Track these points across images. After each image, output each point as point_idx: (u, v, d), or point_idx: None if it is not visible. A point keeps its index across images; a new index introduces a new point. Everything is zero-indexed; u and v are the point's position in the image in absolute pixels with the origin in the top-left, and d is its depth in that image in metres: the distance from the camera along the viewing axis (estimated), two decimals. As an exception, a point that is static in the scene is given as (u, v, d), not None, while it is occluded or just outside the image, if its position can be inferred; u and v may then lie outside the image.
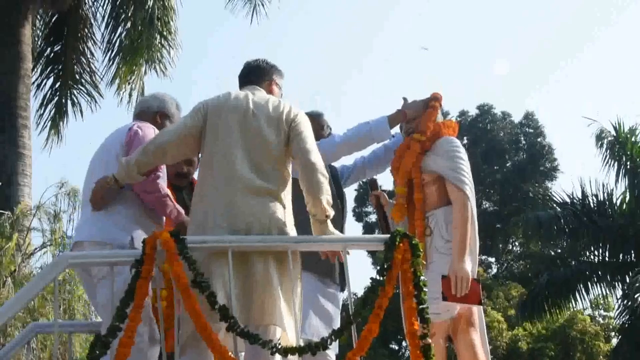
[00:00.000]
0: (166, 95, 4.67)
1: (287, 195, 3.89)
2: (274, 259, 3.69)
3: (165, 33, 11.93)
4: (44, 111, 12.48)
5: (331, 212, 3.76)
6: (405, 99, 4.90)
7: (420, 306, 3.59)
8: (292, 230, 3.83)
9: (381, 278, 3.59)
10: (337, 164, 5.20)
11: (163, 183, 4.24)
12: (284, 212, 3.82)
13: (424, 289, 3.62)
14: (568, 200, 17.54)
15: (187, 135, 3.95)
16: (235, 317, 3.43)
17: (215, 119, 3.95)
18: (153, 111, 4.57)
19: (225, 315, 3.41)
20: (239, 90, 4.15)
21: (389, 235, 3.71)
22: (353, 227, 30.93)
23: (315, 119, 5.06)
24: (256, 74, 4.26)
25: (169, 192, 4.28)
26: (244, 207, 3.73)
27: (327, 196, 3.75)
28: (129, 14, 11.64)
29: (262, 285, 3.62)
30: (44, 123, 12.51)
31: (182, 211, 4.35)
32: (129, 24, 11.72)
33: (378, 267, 3.65)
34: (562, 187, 32.82)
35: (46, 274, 3.44)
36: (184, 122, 4.01)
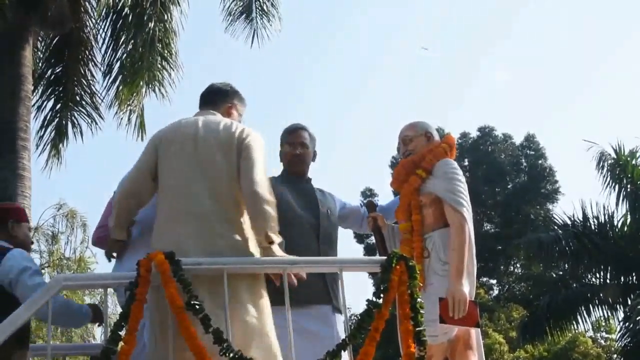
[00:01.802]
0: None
1: (245, 217, 3.83)
2: (242, 281, 3.68)
3: (166, 55, 11.93)
4: (44, 133, 12.45)
5: (276, 239, 3.70)
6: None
7: (417, 328, 3.56)
8: (256, 252, 3.77)
9: (377, 300, 3.57)
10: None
11: None
12: (245, 235, 3.78)
13: (421, 311, 3.59)
14: (569, 222, 17.54)
15: (145, 171, 3.96)
16: (229, 341, 3.40)
17: (166, 150, 3.93)
18: None
19: (219, 339, 3.38)
20: (191, 116, 4.13)
21: (385, 257, 3.69)
22: (354, 249, 30.90)
23: (284, 135, 5.07)
24: (216, 95, 4.25)
25: None
26: (205, 236, 3.71)
27: (270, 224, 3.69)
28: (130, 36, 11.63)
29: (235, 308, 3.59)
30: (44, 145, 12.49)
31: None
32: (129, 46, 11.71)
33: (374, 289, 3.62)
34: (563, 209, 32.83)
35: (41, 296, 3.42)
36: (140, 159, 4.02)
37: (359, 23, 56.47)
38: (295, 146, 5.04)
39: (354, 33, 56.16)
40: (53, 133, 12.51)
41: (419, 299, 3.61)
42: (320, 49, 58.90)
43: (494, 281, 32.21)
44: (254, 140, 3.90)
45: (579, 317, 17.39)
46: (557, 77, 51.55)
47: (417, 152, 4.82)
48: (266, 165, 3.87)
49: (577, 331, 20.78)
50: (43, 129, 12.50)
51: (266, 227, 3.68)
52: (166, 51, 11.94)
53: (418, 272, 3.69)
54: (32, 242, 4.57)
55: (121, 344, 3.33)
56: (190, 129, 3.94)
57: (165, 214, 3.84)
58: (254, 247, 3.78)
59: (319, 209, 4.95)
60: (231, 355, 3.37)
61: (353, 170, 49.91)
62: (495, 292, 31.57)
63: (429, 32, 53.49)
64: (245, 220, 3.81)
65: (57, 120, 12.47)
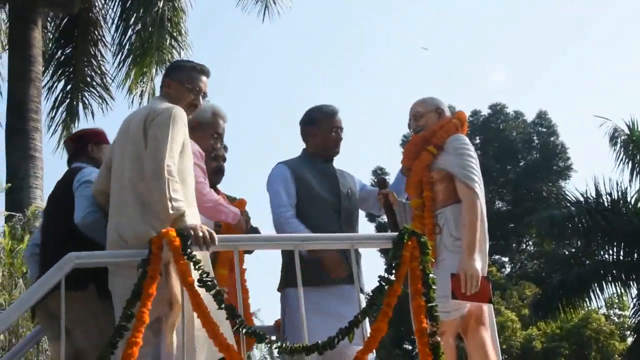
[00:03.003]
0: (204, 104, 4.48)
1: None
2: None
3: (175, 34, 11.92)
4: (56, 114, 12.51)
5: (171, 214, 3.59)
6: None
7: (429, 304, 3.55)
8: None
9: (389, 276, 3.56)
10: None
11: (208, 190, 4.29)
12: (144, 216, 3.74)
13: (433, 287, 3.58)
14: (582, 199, 17.43)
15: (104, 168, 4.12)
16: (242, 317, 3.41)
17: (114, 144, 4.08)
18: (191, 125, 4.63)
19: (233, 315, 3.38)
20: None
21: (397, 233, 3.68)
22: (365, 227, 30.93)
23: (329, 118, 5.02)
24: (163, 78, 4.31)
25: (217, 196, 4.36)
26: (122, 219, 3.78)
27: (166, 197, 3.59)
28: (139, 16, 11.62)
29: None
30: (56, 126, 12.54)
31: (238, 211, 4.45)
32: (138, 26, 11.70)
33: (386, 265, 3.61)
34: (576, 186, 32.59)
35: (53, 274, 3.42)
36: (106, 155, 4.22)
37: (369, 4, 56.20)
38: (339, 131, 5.04)
39: (364, 12, 55.89)
40: (64, 114, 12.55)
41: (431, 275, 3.59)
42: (330, 25, 58.70)
43: (506, 259, 32.18)
44: (160, 119, 3.83)
45: (591, 294, 17.32)
46: (569, 50, 51.20)
47: (428, 128, 4.78)
48: (172, 137, 3.76)
49: (589, 308, 20.73)
50: (54, 110, 12.54)
51: (164, 201, 3.59)
52: (175, 30, 11.92)
53: (430, 248, 3.68)
54: None
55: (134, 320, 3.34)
56: (126, 119, 4.09)
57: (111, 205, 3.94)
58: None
59: (339, 189, 4.94)
60: (245, 330, 3.38)
61: (364, 149, 49.83)
62: (508, 269, 31.55)
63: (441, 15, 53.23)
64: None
65: (68, 101, 12.50)
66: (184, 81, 4.15)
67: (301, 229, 4.56)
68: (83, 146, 4.60)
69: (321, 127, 5.03)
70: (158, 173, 3.63)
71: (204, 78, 4.23)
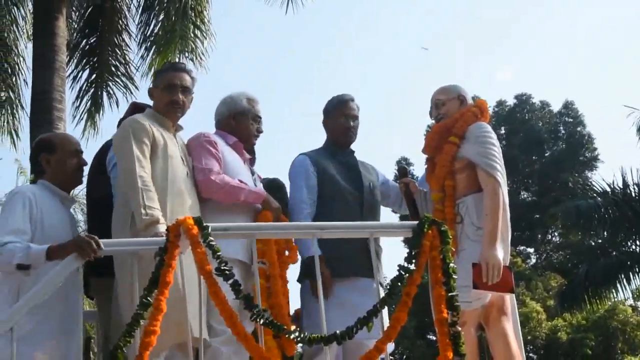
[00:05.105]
0: (234, 94, 4.79)
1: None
2: None
3: (198, 23, 11.90)
4: (80, 103, 12.53)
5: (144, 220, 3.82)
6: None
7: (450, 294, 3.51)
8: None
9: (409, 265, 3.52)
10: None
11: (218, 175, 4.30)
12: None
13: (454, 276, 3.55)
14: (609, 189, 17.29)
15: None
16: (259, 306, 3.38)
17: None
18: (225, 116, 4.72)
19: (250, 305, 3.36)
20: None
21: (417, 222, 3.63)
22: (388, 217, 30.85)
23: (337, 106, 4.98)
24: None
25: (229, 179, 4.33)
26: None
27: (137, 209, 3.86)
28: (163, 4, 11.62)
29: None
30: (80, 115, 12.57)
31: (258, 189, 4.46)
32: (162, 15, 11.70)
33: (406, 254, 3.57)
34: (603, 177, 32.30)
35: (69, 262, 3.42)
36: None
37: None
38: (348, 118, 4.98)
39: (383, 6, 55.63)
40: (89, 103, 12.56)
41: (451, 264, 3.55)
42: (353, 14, 58.49)
43: (531, 250, 32.01)
44: (115, 140, 4.22)
45: (618, 285, 17.21)
46: (596, 41, 50.68)
47: (450, 116, 4.72)
48: (128, 150, 4.02)
49: (616, 299, 20.60)
50: (79, 100, 12.56)
51: (135, 212, 3.88)
52: (199, 19, 11.90)
53: (450, 237, 3.63)
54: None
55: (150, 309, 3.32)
56: None
57: None
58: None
59: (362, 182, 4.90)
60: (262, 320, 3.36)
61: (387, 139, 49.67)
62: (533, 260, 31.38)
63: None
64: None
65: (92, 90, 12.52)
66: (159, 84, 4.37)
67: None
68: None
69: (330, 117, 5.02)
70: (132, 185, 3.91)
71: (175, 74, 4.38)
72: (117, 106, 12.52)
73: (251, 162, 4.78)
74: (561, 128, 32.96)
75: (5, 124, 12.30)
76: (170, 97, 4.28)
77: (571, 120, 32.87)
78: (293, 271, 4.78)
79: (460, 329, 3.51)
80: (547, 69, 51.54)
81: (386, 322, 3.70)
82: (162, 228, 3.77)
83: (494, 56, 52.66)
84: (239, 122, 4.70)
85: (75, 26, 12.56)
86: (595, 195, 17.77)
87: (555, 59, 51.36)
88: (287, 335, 3.39)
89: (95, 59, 12.43)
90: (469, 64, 51.69)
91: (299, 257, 4.62)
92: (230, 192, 4.31)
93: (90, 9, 12.29)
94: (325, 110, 5.06)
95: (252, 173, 4.70)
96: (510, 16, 52.93)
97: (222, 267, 3.37)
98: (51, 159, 4.04)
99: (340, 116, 4.97)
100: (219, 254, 3.40)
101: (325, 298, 3.91)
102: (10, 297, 3.63)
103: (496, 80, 50.79)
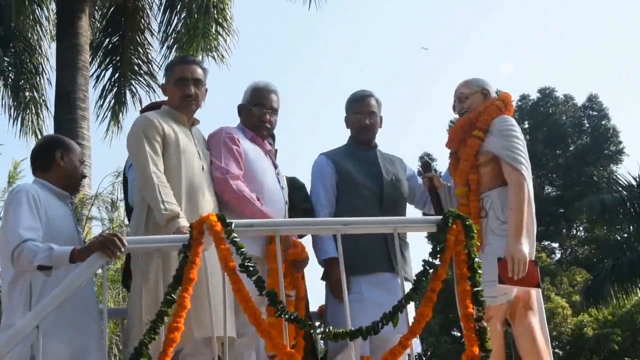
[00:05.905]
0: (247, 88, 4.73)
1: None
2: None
3: (220, 20, 11.92)
4: (103, 102, 12.62)
5: (164, 215, 3.84)
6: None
7: (475, 289, 3.49)
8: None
9: (434, 260, 3.50)
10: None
11: (235, 180, 4.25)
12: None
13: (479, 271, 3.52)
14: (634, 183, 17.15)
15: None
16: (284, 303, 3.38)
17: None
18: (239, 111, 4.69)
19: (274, 301, 3.35)
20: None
21: (441, 217, 3.61)
22: (413, 212, 30.70)
23: (351, 104, 4.96)
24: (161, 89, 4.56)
25: (244, 187, 4.25)
26: None
27: (156, 207, 3.89)
28: (185, 3, 11.66)
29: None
30: (104, 114, 12.65)
31: (267, 210, 4.22)
32: (184, 13, 11.75)
33: (430, 249, 3.55)
34: (628, 170, 32.02)
35: (94, 260, 3.43)
36: None
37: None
38: (364, 115, 4.92)
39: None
40: (112, 102, 12.65)
41: (476, 259, 3.53)
42: (376, 10, 58.39)
43: (556, 245, 31.80)
44: (129, 136, 4.18)
45: (645, 280, 17.07)
46: (619, 32, 50.27)
47: (473, 110, 4.68)
48: (147, 145, 4.04)
49: (643, 294, 20.42)
50: (102, 99, 12.64)
51: (154, 209, 3.90)
52: (221, 17, 11.93)
53: (475, 231, 3.61)
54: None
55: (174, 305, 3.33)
56: None
57: None
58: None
59: (382, 176, 4.84)
60: (287, 316, 3.35)
61: (410, 134, 49.53)
62: (558, 255, 31.17)
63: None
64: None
65: (115, 89, 12.60)
66: (170, 80, 4.34)
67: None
68: None
69: (347, 113, 5.00)
70: (147, 182, 3.94)
71: (185, 66, 4.36)
72: (141, 104, 12.61)
73: (272, 153, 4.75)
74: (585, 122, 32.69)
75: (29, 123, 12.41)
76: (182, 91, 4.25)
77: (595, 113, 32.59)
78: (317, 269, 4.78)
79: (486, 324, 3.49)
80: (572, 62, 51.14)
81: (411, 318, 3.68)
82: (183, 222, 3.78)
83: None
84: (245, 115, 4.64)
85: (98, 26, 12.65)
86: (620, 189, 17.64)
87: (579, 52, 50.96)
88: (312, 331, 3.38)
89: (118, 58, 12.51)
90: (476, 59, 51.43)
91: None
92: (241, 201, 4.22)
93: (112, 9, 12.37)
94: (345, 107, 5.05)
95: (275, 166, 4.65)
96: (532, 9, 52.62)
97: (246, 264, 3.36)
98: (66, 156, 4.03)
99: (354, 113, 4.94)
100: (242, 250, 3.39)
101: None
102: (23, 297, 3.63)
103: (507, 74, 50.46)
